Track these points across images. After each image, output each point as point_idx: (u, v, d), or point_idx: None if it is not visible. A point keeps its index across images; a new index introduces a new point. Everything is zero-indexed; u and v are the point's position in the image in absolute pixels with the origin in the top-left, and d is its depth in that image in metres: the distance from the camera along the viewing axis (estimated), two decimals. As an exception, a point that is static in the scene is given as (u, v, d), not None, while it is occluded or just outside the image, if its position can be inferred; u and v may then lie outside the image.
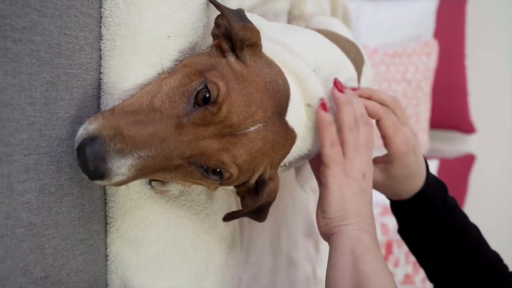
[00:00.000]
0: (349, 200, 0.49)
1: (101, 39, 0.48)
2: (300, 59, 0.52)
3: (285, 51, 0.52)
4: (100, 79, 0.49)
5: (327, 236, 0.51)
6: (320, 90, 0.52)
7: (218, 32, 0.49)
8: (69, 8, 0.44)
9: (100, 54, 0.49)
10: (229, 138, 0.42)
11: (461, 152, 2.06)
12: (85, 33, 0.46)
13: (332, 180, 0.49)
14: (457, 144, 2.10)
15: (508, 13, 1.95)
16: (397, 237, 1.67)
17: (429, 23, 1.86)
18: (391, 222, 1.64)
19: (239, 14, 0.48)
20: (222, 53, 0.48)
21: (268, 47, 0.49)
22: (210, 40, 0.57)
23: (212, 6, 0.54)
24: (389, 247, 1.64)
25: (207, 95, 0.42)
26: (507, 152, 2.02)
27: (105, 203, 0.51)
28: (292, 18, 0.98)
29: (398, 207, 0.63)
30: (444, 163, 1.91)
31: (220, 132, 0.42)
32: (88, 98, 0.47)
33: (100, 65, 0.49)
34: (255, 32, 0.47)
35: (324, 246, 1.06)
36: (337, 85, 0.54)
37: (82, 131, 0.39)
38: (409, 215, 0.62)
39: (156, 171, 0.42)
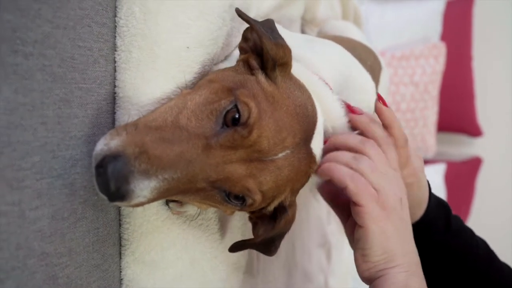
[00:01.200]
0: (392, 238, 0.43)
1: (116, 50, 0.45)
2: (322, 81, 0.49)
3: (309, 72, 0.49)
4: (115, 93, 0.46)
5: (370, 281, 0.45)
6: (340, 122, 0.49)
7: (246, 46, 0.46)
8: (82, 18, 0.41)
9: (115, 67, 0.45)
10: (257, 163, 0.40)
11: (468, 155, 2.04)
12: (99, 44, 0.43)
13: (369, 219, 0.43)
14: (464, 147, 2.08)
15: (516, 15, 1.93)
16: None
17: (436, 25, 1.84)
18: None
19: (270, 27, 0.45)
20: (250, 69, 0.45)
21: (296, 68, 0.46)
22: (227, 50, 0.54)
23: (234, 15, 0.51)
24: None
25: (237, 116, 0.39)
26: (514, 155, 1.99)
27: (120, 225, 0.48)
28: (304, 22, 0.96)
29: None
30: (451, 166, 1.89)
31: (248, 156, 0.39)
32: (103, 114, 0.44)
33: (115, 78, 0.45)
34: (287, 51, 0.44)
35: (335, 255, 1.03)
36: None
37: (103, 147, 0.35)
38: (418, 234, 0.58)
39: (177, 194, 0.40)
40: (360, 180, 0.43)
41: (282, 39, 0.44)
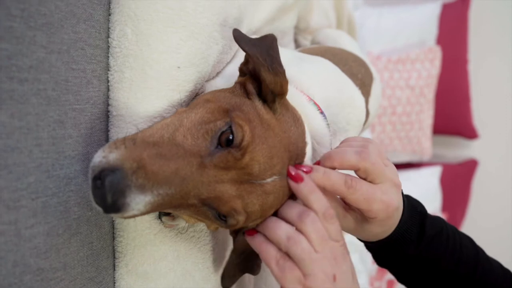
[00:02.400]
0: None
1: (109, 70, 0.47)
2: (311, 101, 0.51)
3: (298, 92, 0.51)
4: (108, 111, 0.47)
5: None
6: (326, 140, 0.50)
7: (246, 69, 0.47)
8: (76, 41, 0.42)
9: (108, 86, 0.47)
10: (247, 186, 0.41)
11: (464, 157, 2.06)
12: (92, 65, 0.45)
13: None
14: (460, 149, 2.10)
15: (511, 19, 1.94)
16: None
17: (432, 29, 1.85)
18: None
19: (268, 52, 0.45)
20: (247, 93, 0.46)
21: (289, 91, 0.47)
22: (219, 67, 0.56)
23: (225, 33, 0.53)
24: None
25: (231, 137, 0.40)
26: (510, 157, 2.01)
27: (114, 238, 0.50)
28: (298, 31, 0.97)
29: (370, 247, 0.56)
30: (447, 168, 1.91)
31: (239, 178, 0.41)
32: (96, 132, 0.46)
33: (108, 97, 0.47)
34: (284, 82, 0.45)
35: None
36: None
37: (101, 159, 0.37)
38: (384, 255, 0.55)
39: (169, 208, 0.41)
40: (286, 265, 0.41)
41: (281, 65, 0.45)
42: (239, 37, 0.45)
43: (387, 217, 0.48)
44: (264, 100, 0.45)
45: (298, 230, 0.42)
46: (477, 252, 0.57)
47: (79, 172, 0.43)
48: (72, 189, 0.42)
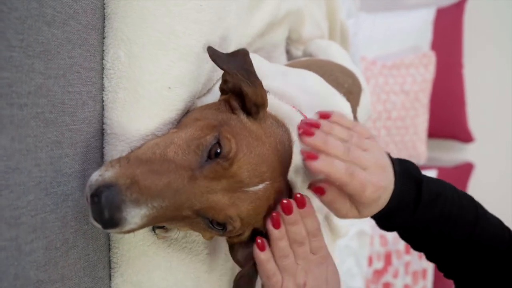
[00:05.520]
0: None
1: (104, 91, 0.50)
2: (296, 110, 0.53)
3: (282, 102, 0.53)
4: (103, 129, 0.50)
5: None
6: None
7: (226, 88, 0.50)
8: (72, 65, 0.45)
9: (103, 106, 0.50)
10: (239, 194, 0.44)
11: (460, 161, 2.08)
12: (87, 87, 0.47)
13: None
14: (455, 153, 2.12)
15: (505, 23, 1.97)
16: (396, 248, 1.69)
17: (426, 34, 1.88)
18: (390, 233, 1.66)
19: (244, 67, 0.48)
20: (231, 108, 0.49)
21: (270, 101, 0.50)
22: (209, 85, 0.58)
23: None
24: (388, 258, 1.66)
25: (219, 150, 0.43)
26: (505, 160, 2.03)
27: (109, 249, 0.52)
28: (290, 42, 1.00)
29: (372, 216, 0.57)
30: (443, 171, 1.93)
31: (231, 187, 0.43)
32: (92, 150, 0.48)
33: (102, 116, 0.50)
34: (264, 94, 0.48)
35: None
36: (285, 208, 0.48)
37: (98, 178, 0.39)
38: (385, 222, 0.56)
39: (165, 221, 0.44)
40: (273, 280, 0.49)
41: (257, 77, 0.48)
42: (214, 56, 0.48)
43: (377, 198, 0.49)
44: (249, 113, 0.48)
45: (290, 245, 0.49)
46: (477, 212, 0.55)
47: (76, 189, 0.46)
48: (69, 205, 0.45)
